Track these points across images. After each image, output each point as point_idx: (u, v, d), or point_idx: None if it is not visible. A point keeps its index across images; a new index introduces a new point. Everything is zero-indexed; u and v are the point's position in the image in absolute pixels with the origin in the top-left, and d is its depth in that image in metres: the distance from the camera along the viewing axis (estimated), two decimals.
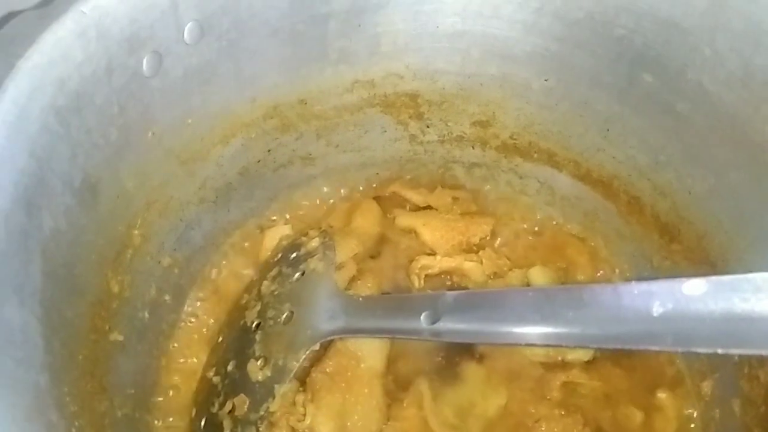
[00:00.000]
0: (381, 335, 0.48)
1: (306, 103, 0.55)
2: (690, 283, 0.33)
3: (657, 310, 0.33)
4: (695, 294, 0.32)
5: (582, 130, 0.55)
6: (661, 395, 0.54)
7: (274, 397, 0.47)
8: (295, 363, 0.47)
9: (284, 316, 0.50)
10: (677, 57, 0.46)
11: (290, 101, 0.54)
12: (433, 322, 0.42)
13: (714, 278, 0.32)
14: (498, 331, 0.39)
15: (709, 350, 0.31)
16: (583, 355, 0.54)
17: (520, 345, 0.49)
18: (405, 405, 0.50)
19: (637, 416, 0.53)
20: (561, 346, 0.47)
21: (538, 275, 0.58)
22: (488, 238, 0.60)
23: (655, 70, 0.48)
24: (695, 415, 0.53)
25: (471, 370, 0.53)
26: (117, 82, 0.41)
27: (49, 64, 0.37)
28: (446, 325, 0.41)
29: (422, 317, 0.42)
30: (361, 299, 0.50)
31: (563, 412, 0.52)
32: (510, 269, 0.58)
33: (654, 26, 0.46)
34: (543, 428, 0.51)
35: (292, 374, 0.47)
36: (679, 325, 0.33)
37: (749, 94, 0.43)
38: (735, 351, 0.31)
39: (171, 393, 0.52)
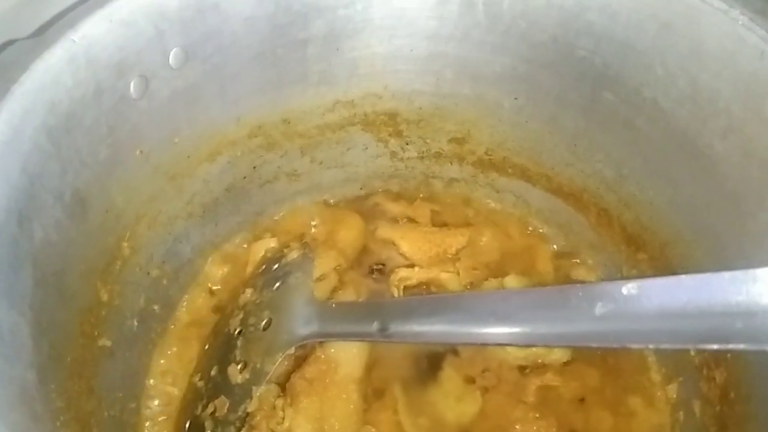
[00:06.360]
0: (351, 338, 0.50)
1: (289, 123, 0.57)
2: (628, 285, 0.35)
3: (599, 310, 0.36)
4: (632, 294, 0.35)
5: (551, 146, 0.57)
6: (632, 399, 0.55)
7: (251, 399, 0.49)
8: (271, 366, 0.49)
9: (264, 322, 0.52)
10: (633, 76, 0.48)
11: (274, 121, 0.56)
12: (384, 328, 0.44)
13: (648, 280, 0.35)
14: (457, 331, 0.41)
15: (643, 346, 0.34)
16: (562, 356, 0.55)
17: (477, 344, 0.51)
18: (380, 409, 0.52)
19: (609, 419, 0.55)
20: (512, 344, 0.49)
21: (514, 283, 0.59)
22: (464, 249, 0.61)
23: (614, 88, 0.50)
24: (663, 417, 0.54)
25: (447, 376, 0.55)
26: (105, 104, 0.43)
27: (41, 88, 0.39)
28: (398, 328, 0.44)
29: (374, 323, 0.45)
30: (334, 305, 0.52)
31: (538, 415, 0.53)
32: (486, 278, 0.60)
33: (611, 48, 0.48)
34: (518, 429, 0.52)
35: (268, 377, 0.49)
36: (619, 324, 0.35)
37: (698, 110, 0.46)
38: (666, 346, 0.33)
39: (159, 398, 0.53)
